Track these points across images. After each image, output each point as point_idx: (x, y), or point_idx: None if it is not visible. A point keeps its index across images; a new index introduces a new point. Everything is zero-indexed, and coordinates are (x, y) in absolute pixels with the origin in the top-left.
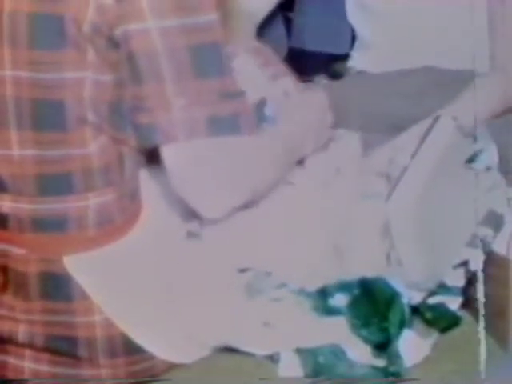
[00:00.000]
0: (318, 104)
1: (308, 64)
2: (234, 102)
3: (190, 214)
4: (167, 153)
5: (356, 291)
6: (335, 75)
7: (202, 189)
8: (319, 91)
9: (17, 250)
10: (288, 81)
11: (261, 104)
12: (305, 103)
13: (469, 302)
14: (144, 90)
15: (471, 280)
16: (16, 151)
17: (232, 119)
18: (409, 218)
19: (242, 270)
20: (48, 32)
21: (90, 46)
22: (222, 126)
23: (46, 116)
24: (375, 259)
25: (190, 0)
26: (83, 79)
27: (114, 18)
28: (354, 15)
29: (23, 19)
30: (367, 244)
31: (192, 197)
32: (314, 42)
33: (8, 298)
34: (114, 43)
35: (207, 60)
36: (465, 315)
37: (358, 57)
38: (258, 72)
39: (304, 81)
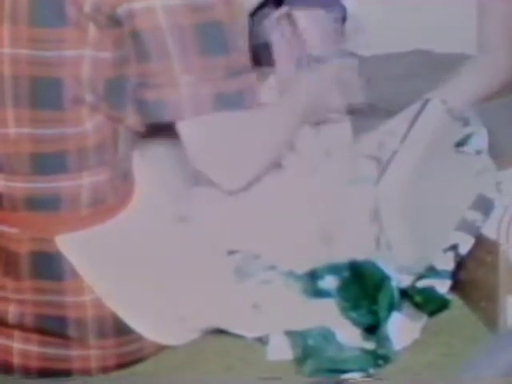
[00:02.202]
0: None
1: None
2: (240, 78)
3: (182, 197)
4: (184, 129)
5: (345, 274)
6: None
7: (221, 162)
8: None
9: (9, 229)
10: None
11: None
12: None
13: (458, 286)
14: (150, 67)
15: (460, 263)
16: (12, 129)
17: (238, 95)
18: (398, 202)
19: (231, 253)
20: (48, 10)
21: (91, 24)
22: (228, 101)
23: (44, 94)
24: (364, 243)
25: None
26: (82, 57)
27: None
28: None
29: (25, 1)
30: (357, 227)
31: (211, 170)
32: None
33: None
34: (115, 21)
35: (212, 37)
36: (454, 298)
37: (349, 40)
38: None
39: None
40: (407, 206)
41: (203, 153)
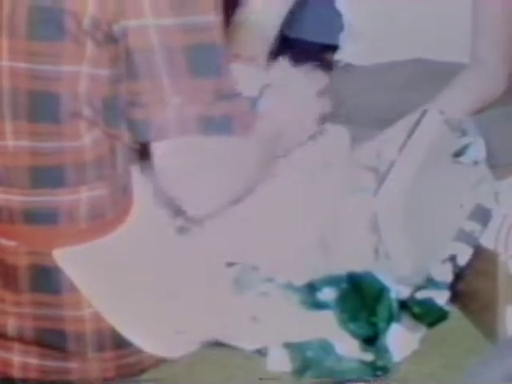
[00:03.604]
0: (306, 94)
1: (299, 53)
2: (229, 102)
3: (180, 209)
4: (156, 149)
5: (344, 285)
6: (324, 67)
7: (188, 186)
8: (308, 79)
9: (7, 242)
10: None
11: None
12: (292, 93)
13: (457, 296)
14: (139, 86)
15: (459, 274)
16: (10, 142)
17: (225, 120)
18: (397, 213)
19: (230, 265)
20: (47, 24)
21: (89, 40)
22: (215, 125)
23: (41, 108)
24: (363, 253)
25: (192, 5)
26: (80, 73)
27: (114, 14)
28: (343, 3)
29: (23, 10)
30: (355, 238)
31: (177, 193)
32: (304, 30)
33: None
34: (112, 38)
35: (204, 60)
36: (453, 309)
37: (347, 49)
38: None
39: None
40: (405, 217)
41: (170, 175)
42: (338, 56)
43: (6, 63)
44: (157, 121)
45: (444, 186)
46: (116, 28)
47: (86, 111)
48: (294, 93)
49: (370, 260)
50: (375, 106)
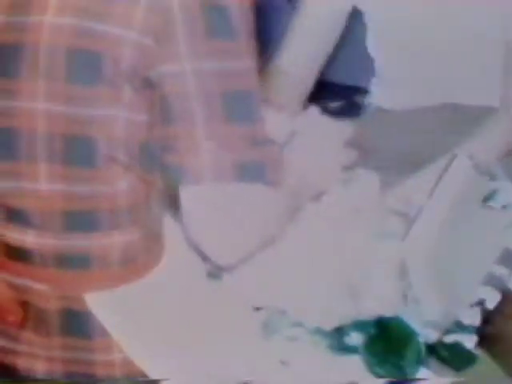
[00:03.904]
0: (332, 143)
1: (328, 95)
2: (263, 149)
3: (206, 256)
4: (185, 195)
5: (372, 330)
6: (354, 112)
7: (215, 235)
8: (336, 129)
9: (38, 286)
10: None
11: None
12: (318, 142)
13: (485, 340)
14: (174, 130)
15: (487, 318)
16: (44, 185)
17: (259, 167)
18: (425, 257)
19: (258, 309)
20: (85, 68)
21: (126, 84)
22: (248, 172)
23: (77, 151)
24: (391, 299)
25: (228, 45)
26: (117, 117)
27: (151, 59)
28: (374, 47)
29: (62, 53)
30: (383, 283)
31: (205, 242)
32: (334, 72)
33: (27, 334)
34: (149, 83)
35: (239, 106)
36: (481, 353)
37: (377, 93)
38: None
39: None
40: (434, 261)
41: (198, 223)
42: (368, 100)
43: (42, 105)
44: (191, 166)
45: (473, 230)
46: (153, 73)
47: (122, 156)
48: (321, 141)
49: (398, 305)
50: (405, 150)
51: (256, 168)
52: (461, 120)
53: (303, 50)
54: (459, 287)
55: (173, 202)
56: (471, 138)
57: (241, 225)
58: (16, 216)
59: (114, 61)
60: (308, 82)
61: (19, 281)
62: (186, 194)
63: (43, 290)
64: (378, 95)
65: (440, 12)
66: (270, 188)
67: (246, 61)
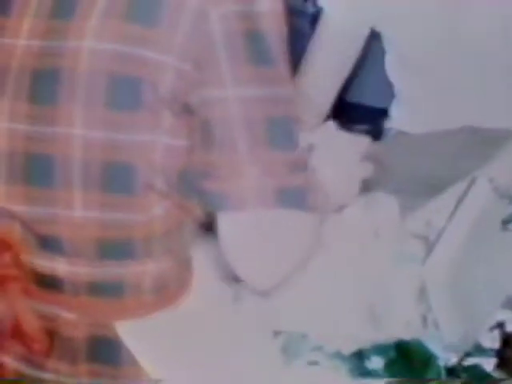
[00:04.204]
0: (349, 157)
1: (348, 115)
2: (303, 175)
3: (234, 278)
4: (223, 220)
5: (392, 353)
6: (375, 135)
7: (254, 260)
8: (353, 143)
9: (66, 314)
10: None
11: None
12: (335, 155)
13: (504, 363)
14: (216, 156)
15: (506, 341)
16: (79, 212)
17: (300, 192)
18: (445, 281)
19: (278, 333)
20: (125, 93)
21: (166, 110)
22: (291, 198)
23: (115, 178)
24: (411, 322)
25: (269, 71)
26: (156, 143)
27: (191, 84)
28: (394, 70)
29: (101, 79)
30: (403, 307)
31: (243, 267)
32: (357, 94)
33: (53, 362)
34: (189, 109)
35: (282, 132)
36: (500, 376)
37: (397, 117)
38: None
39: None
40: (454, 285)
41: (236, 248)
42: (389, 124)
43: (79, 131)
44: (232, 192)
45: (492, 253)
46: (193, 98)
47: (160, 182)
48: (337, 155)
49: (418, 328)
50: (425, 174)
51: (297, 194)
52: (480, 143)
53: (322, 72)
54: (479, 310)
55: (207, 228)
56: (491, 160)
57: (278, 249)
58: (47, 243)
59: (153, 86)
60: (326, 103)
61: (48, 309)
62: (224, 220)
63: (71, 318)
64: (399, 119)
65: (458, 35)
66: (309, 213)
67: (287, 87)
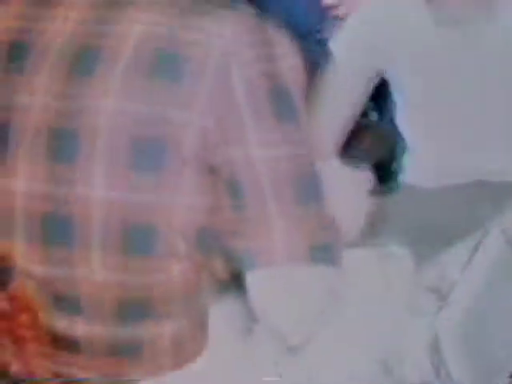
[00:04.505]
0: (353, 192)
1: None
2: (331, 230)
3: (244, 332)
4: (253, 277)
5: None
6: (388, 189)
7: (286, 316)
8: (356, 179)
9: (82, 374)
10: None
11: None
12: (339, 191)
13: None
14: (245, 215)
15: None
16: (98, 274)
17: (328, 248)
18: (459, 333)
19: None
20: (148, 155)
21: (189, 170)
22: (320, 254)
23: (135, 240)
24: (424, 374)
25: (293, 128)
26: (177, 204)
27: (215, 143)
28: (404, 127)
29: (124, 141)
30: (416, 359)
31: (275, 323)
32: None
33: None
34: (212, 167)
35: (309, 188)
36: None
37: (409, 171)
38: None
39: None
40: (467, 337)
41: (267, 305)
42: (401, 178)
43: (99, 193)
44: (263, 249)
45: (505, 305)
46: (217, 157)
47: (180, 243)
48: (342, 190)
49: (431, 381)
50: (438, 227)
51: (326, 249)
52: (493, 197)
53: (327, 115)
54: (493, 361)
55: (234, 286)
56: (502, 212)
57: (309, 305)
58: (65, 303)
59: (177, 146)
60: (331, 144)
61: (65, 370)
62: (255, 277)
63: (89, 377)
64: (411, 173)
65: (469, 86)
66: (337, 268)
67: (307, 140)
